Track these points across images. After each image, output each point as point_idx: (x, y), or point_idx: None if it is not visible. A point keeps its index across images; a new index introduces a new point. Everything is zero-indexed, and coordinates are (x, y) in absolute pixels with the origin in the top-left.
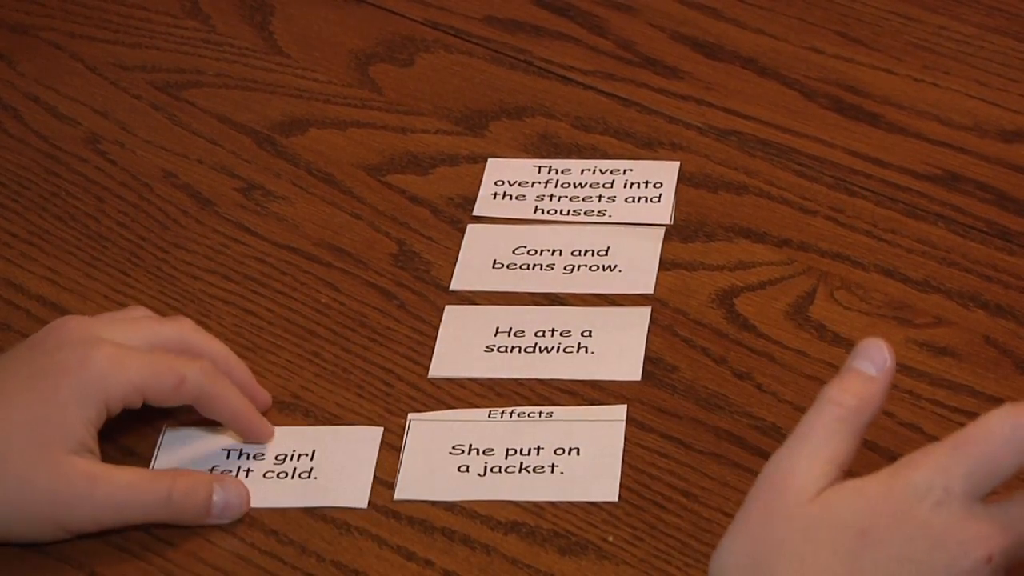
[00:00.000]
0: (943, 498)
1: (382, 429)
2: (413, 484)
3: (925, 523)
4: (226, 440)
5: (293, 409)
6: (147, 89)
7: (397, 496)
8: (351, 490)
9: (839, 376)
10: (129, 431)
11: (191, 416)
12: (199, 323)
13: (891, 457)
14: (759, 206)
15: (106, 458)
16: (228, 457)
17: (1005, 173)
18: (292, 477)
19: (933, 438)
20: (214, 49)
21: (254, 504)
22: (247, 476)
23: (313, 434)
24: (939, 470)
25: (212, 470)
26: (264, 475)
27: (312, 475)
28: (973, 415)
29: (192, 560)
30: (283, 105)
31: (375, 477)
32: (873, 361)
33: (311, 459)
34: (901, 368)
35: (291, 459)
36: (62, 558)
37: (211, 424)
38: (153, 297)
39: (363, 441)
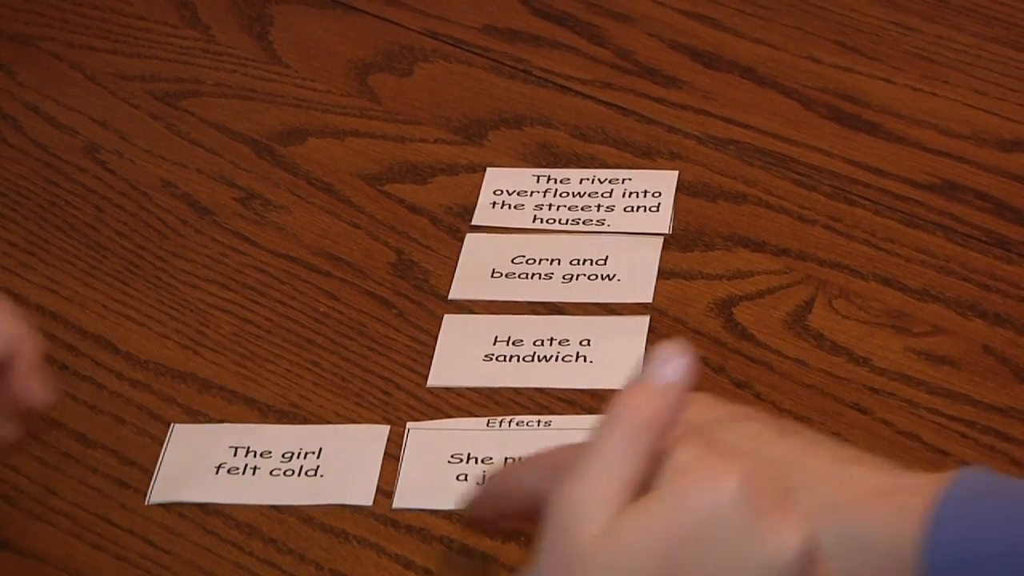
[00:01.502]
0: (743, 490)
1: (388, 428)
2: (412, 493)
3: (735, 522)
4: (234, 438)
5: (292, 417)
6: (146, 99)
7: (396, 505)
8: (357, 488)
9: (627, 389)
10: (131, 441)
11: (199, 415)
12: (199, 332)
13: None
14: (758, 215)
15: (107, 467)
16: (235, 455)
17: (1003, 182)
18: (299, 475)
19: (932, 446)
20: (213, 59)
21: (260, 502)
22: (254, 474)
23: (320, 433)
24: (725, 466)
25: (219, 468)
26: (271, 473)
27: (318, 473)
28: (972, 424)
29: (191, 569)
30: (282, 115)
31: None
32: (666, 368)
33: (318, 457)
34: (899, 376)
35: (298, 457)
36: (60, 566)
37: (219, 422)
38: (152, 306)
39: (369, 440)
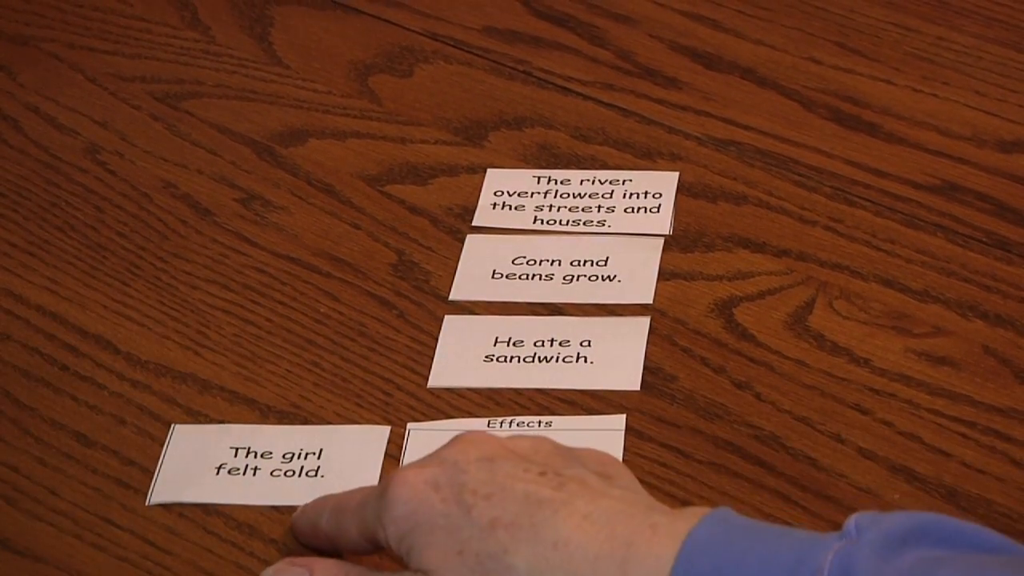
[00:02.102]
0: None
1: (389, 428)
2: None
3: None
4: (234, 439)
5: (292, 418)
6: (147, 100)
7: None
8: None
9: None
10: (131, 441)
11: (199, 416)
12: (199, 333)
13: (890, 466)
14: (758, 216)
15: (107, 467)
16: (236, 456)
17: (1004, 183)
18: (299, 476)
19: (932, 447)
20: (213, 60)
21: (261, 502)
22: (254, 474)
23: (320, 433)
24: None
25: (220, 468)
26: (271, 473)
27: (319, 474)
28: (972, 424)
29: (192, 569)
30: (282, 115)
31: None
32: None
33: (318, 458)
34: (900, 377)
35: (299, 458)
36: (60, 566)
37: (220, 422)
38: (152, 307)
39: (370, 440)
